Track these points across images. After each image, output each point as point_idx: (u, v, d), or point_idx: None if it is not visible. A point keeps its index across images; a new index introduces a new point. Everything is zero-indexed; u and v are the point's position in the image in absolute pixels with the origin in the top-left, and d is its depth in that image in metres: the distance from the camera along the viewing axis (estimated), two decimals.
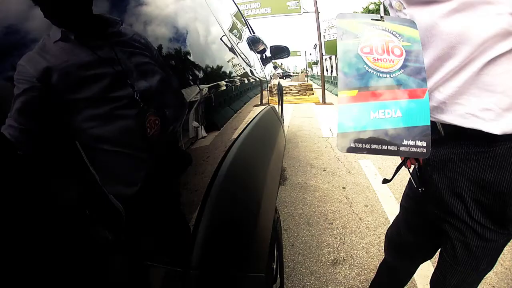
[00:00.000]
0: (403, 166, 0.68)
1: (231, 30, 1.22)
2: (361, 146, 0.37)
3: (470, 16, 0.43)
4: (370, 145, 0.37)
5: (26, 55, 0.28)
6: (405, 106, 0.37)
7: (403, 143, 0.37)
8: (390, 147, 0.37)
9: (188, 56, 0.61)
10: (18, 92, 0.26)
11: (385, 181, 0.69)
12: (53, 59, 0.30)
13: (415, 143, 0.37)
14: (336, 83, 11.08)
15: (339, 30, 0.40)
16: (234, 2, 1.83)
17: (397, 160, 0.68)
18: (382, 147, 0.37)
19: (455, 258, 0.62)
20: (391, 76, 0.38)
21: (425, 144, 0.37)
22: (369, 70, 0.38)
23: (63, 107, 0.31)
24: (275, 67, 3.98)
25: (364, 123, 0.37)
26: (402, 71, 0.38)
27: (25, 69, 0.27)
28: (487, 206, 0.54)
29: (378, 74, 0.38)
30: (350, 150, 0.37)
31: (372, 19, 0.41)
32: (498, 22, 0.43)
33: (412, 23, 0.40)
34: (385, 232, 0.91)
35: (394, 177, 0.68)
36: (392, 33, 0.40)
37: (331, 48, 9.54)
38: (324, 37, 9.18)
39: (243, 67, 1.11)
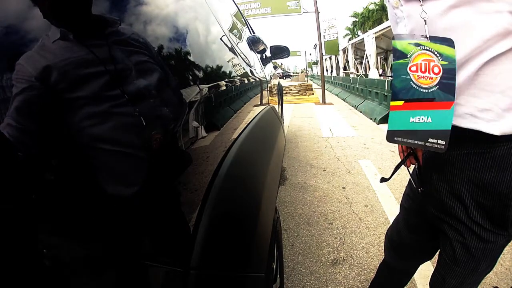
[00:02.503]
0: (403, 166, 0.68)
1: (231, 30, 1.22)
2: (400, 140, 0.52)
3: (468, 13, 0.43)
4: (407, 139, 0.51)
5: (25, 55, 0.28)
6: (435, 114, 0.49)
7: (428, 140, 0.50)
8: (419, 142, 0.51)
9: (188, 56, 0.61)
10: (17, 91, 0.26)
11: (383, 180, 0.69)
12: (52, 59, 0.30)
13: (437, 141, 0.49)
14: (336, 83, 11.09)
15: (395, 51, 0.50)
16: (234, 2, 1.83)
17: (397, 160, 0.68)
18: (414, 141, 0.51)
19: (454, 259, 0.61)
20: (429, 91, 0.48)
21: (444, 143, 0.49)
22: (414, 85, 0.49)
23: (62, 106, 0.31)
24: (275, 67, 3.98)
25: (406, 125, 0.51)
26: (438, 87, 0.48)
27: (24, 68, 0.27)
28: (486, 207, 0.53)
29: (420, 89, 0.49)
30: (393, 141, 0.52)
31: (421, 38, 0.48)
32: (497, 20, 0.42)
33: (451, 42, 0.46)
34: (385, 232, 0.91)
35: (393, 176, 0.68)
36: (434, 52, 0.47)
37: (331, 48, 9.54)
38: (324, 37, 9.17)
39: (243, 67, 1.11)
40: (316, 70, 32.66)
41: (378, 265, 1.01)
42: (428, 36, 0.47)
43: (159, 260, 0.43)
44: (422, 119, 0.49)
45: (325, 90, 8.39)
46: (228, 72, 0.89)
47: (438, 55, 0.47)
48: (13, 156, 0.26)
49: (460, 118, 0.49)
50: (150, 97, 0.41)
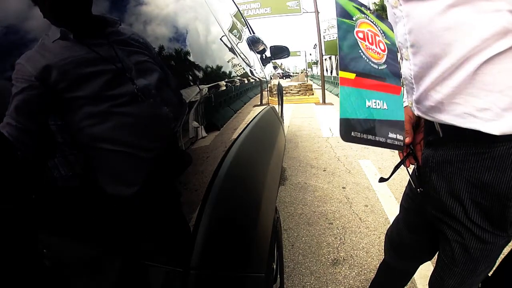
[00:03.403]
0: (402, 166, 0.68)
1: (231, 30, 1.22)
2: (359, 136, 0.39)
3: (467, 12, 0.43)
4: (366, 135, 0.39)
5: (25, 54, 0.28)
6: (389, 100, 0.40)
7: (388, 136, 0.40)
8: (380, 139, 0.40)
9: (188, 56, 0.61)
10: (17, 90, 0.26)
11: (382, 179, 0.69)
12: (52, 58, 0.30)
13: (396, 136, 0.40)
14: (336, 83, 11.08)
15: (338, 7, 0.40)
16: (234, 2, 1.83)
17: (397, 160, 0.68)
18: (374, 138, 0.40)
19: (453, 260, 0.61)
20: (379, 68, 0.40)
21: (401, 138, 0.41)
22: (363, 56, 0.40)
23: (62, 105, 0.31)
24: (275, 67, 3.98)
25: (362, 111, 0.39)
26: (386, 66, 0.40)
27: (24, 67, 0.28)
28: (485, 208, 0.53)
29: (371, 63, 0.40)
30: (350, 139, 0.39)
31: (363, 7, 0.41)
32: (497, 19, 0.42)
33: (391, 26, 0.41)
34: (385, 232, 0.91)
35: (392, 176, 0.68)
36: (378, 27, 0.41)
37: (331, 48, 9.54)
38: (324, 37, 9.18)
39: (243, 67, 1.11)
40: (316, 70, 32.65)
41: (378, 265, 1.01)
42: (370, 8, 0.42)
43: (159, 260, 0.43)
44: (378, 104, 0.40)
45: (325, 90, 8.39)
46: (228, 72, 0.89)
47: (381, 32, 0.41)
48: (13, 156, 0.26)
49: (459, 118, 0.49)
50: (150, 97, 0.41)
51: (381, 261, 0.98)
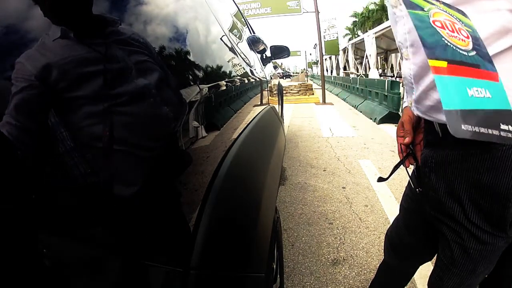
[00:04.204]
0: (402, 166, 0.68)
1: (231, 30, 1.22)
2: (471, 130, 0.33)
3: (468, 11, 0.43)
4: (478, 128, 0.33)
5: (25, 53, 0.28)
6: (490, 87, 0.35)
7: (501, 127, 0.33)
8: (493, 131, 0.33)
9: (188, 56, 0.61)
10: (17, 89, 0.26)
11: (381, 179, 0.69)
12: (52, 57, 0.30)
13: (509, 127, 0.34)
14: (336, 83, 11.07)
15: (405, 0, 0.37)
16: (234, 2, 1.83)
17: (397, 160, 0.68)
18: (487, 130, 0.33)
19: (452, 260, 0.61)
20: (469, 55, 0.35)
21: None
22: (449, 43, 0.35)
23: (62, 104, 0.31)
24: (275, 67, 3.99)
25: (465, 101, 0.33)
26: (475, 52, 0.36)
27: (24, 66, 0.27)
28: (485, 208, 0.53)
29: (458, 50, 0.35)
30: (462, 134, 0.33)
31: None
32: (496, 18, 0.42)
33: (464, 13, 0.38)
34: (385, 232, 0.91)
35: (392, 176, 0.68)
36: (452, 16, 0.37)
37: (331, 48, 9.54)
38: (324, 37, 9.18)
39: (243, 67, 1.11)
40: (316, 70, 32.66)
41: (378, 265, 1.01)
42: (441, 0, 0.38)
43: (159, 260, 0.43)
44: (481, 92, 0.34)
45: (325, 90, 8.39)
46: (228, 72, 0.88)
47: (457, 19, 0.37)
48: (12, 155, 0.26)
49: None
50: (150, 97, 0.41)
51: (381, 261, 0.98)
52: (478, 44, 0.37)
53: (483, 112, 0.34)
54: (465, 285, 0.63)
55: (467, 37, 0.36)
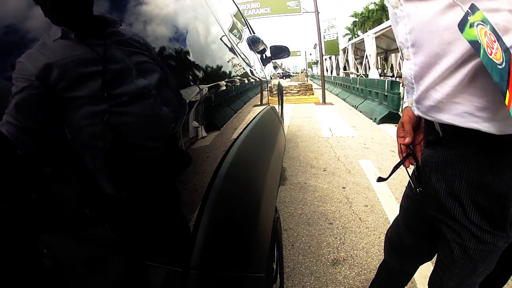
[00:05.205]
0: (402, 166, 0.68)
1: (231, 30, 1.22)
2: None
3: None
4: None
5: (26, 53, 0.28)
6: None
7: None
8: None
9: (188, 56, 0.61)
10: (17, 89, 0.26)
11: (380, 179, 0.68)
12: (52, 57, 0.30)
13: None
14: (336, 83, 11.08)
15: (471, 44, 0.41)
16: (234, 2, 1.83)
17: (397, 160, 0.68)
18: None
19: (452, 260, 0.61)
20: (504, 62, 0.40)
21: None
22: (499, 67, 0.39)
23: (62, 104, 0.31)
24: (275, 67, 3.98)
25: None
26: (503, 52, 0.39)
27: (25, 66, 0.28)
28: (485, 208, 0.53)
29: (502, 67, 0.39)
30: None
31: (468, 15, 0.40)
32: (497, 18, 0.42)
33: (474, 6, 0.40)
34: (385, 232, 0.91)
35: (392, 176, 0.68)
36: (481, 24, 0.40)
37: (331, 48, 9.54)
38: (324, 37, 9.17)
39: (243, 67, 1.11)
40: (316, 70, 32.67)
41: (378, 265, 1.01)
42: (467, 11, 0.41)
43: (159, 260, 0.43)
44: None
45: (325, 90, 8.39)
46: (228, 72, 0.89)
47: (482, 23, 0.41)
48: (12, 155, 0.26)
49: (459, 118, 0.49)
50: (150, 97, 0.41)
51: (381, 261, 0.98)
52: (498, 38, 0.39)
53: None
54: (465, 285, 0.63)
55: (495, 41, 0.40)
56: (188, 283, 0.46)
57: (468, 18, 0.41)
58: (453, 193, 0.56)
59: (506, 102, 0.40)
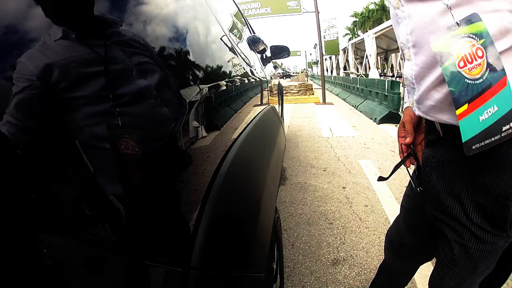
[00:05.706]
0: (402, 166, 0.68)
1: (231, 30, 1.22)
2: (478, 146, 0.45)
3: (468, 12, 0.43)
4: (484, 141, 0.45)
5: (27, 53, 0.28)
6: (498, 99, 0.43)
7: (502, 130, 0.44)
8: (495, 138, 0.44)
9: (188, 56, 0.61)
10: (18, 89, 0.26)
11: (381, 179, 0.68)
12: (53, 57, 0.30)
13: (510, 125, 0.43)
14: (336, 83, 11.08)
15: (438, 55, 0.45)
16: (234, 2, 1.83)
17: (397, 160, 0.68)
18: (490, 140, 0.45)
19: (452, 260, 0.61)
20: (484, 78, 0.43)
21: None
22: (469, 82, 0.43)
23: (62, 104, 0.31)
24: (275, 67, 3.98)
25: (477, 127, 0.44)
26: (488, 69, 0.43)
27: (26, 66, 0.28)
28: (485, 208, 0.53)
29: (476, 82, 0.43)
30: (472, 152, 0.45)
31: (454, 28, 0.44)
32: (497, 19, 0.42)
33: (476, 17, 0.42)
34: (385, 232, 0.91)
35: (392, 176, 0.68)
36: (470, 36, 0.43)
37: (331, 48, 9.54)
38: (324, 37, 9.17)
39: (243, 67, 1.11)
40: (316, 70, 32.68)
41: (378, 265, 1.01)
42: (457, 22, 0.44)
43: (159, 260, 0.43)
44: (490, 111, 0.43)
45: (325, 90, 8.39)
46: (228, 72, 0.89)
47: (474, 36, 0.43)
48: (13, 154, 0.26)
49: None
50: (150, 97, 0.41)
51: (381, 261, 0.98)
52: (490, 54, 0.42)
53: (489, 127, 0.44)
54: (465, 284, 0.63)
55: (482, 56, 0.42)
56: (188, 283, 0.46)
57: (452, 29, 0.44)
58: (453, 192, 0.56)
59: (458, 112, 0.44)
